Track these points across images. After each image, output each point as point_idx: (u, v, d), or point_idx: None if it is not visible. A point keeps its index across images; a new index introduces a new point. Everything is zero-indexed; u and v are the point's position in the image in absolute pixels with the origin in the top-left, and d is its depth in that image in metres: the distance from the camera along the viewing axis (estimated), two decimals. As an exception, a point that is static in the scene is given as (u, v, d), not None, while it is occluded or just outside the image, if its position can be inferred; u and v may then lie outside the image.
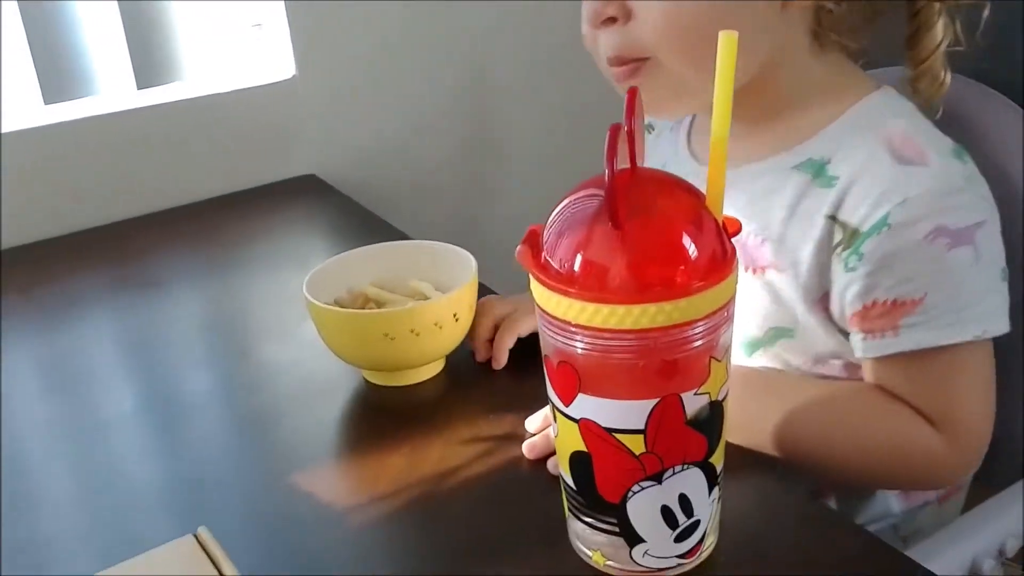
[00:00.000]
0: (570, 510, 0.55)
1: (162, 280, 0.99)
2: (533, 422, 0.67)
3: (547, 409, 0.66)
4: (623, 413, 0.49)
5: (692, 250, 0.49)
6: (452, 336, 0.72)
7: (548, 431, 0.65)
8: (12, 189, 1.08)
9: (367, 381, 0.75)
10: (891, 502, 0.76)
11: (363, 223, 1.08)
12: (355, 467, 0.66)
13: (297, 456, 0.68)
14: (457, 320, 0.72)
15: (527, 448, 0.64)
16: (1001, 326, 0.65)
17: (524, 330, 0.75)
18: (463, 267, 0.75)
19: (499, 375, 0.76)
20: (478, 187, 1.39)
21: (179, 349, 0.86)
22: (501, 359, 0.75)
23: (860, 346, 0.67)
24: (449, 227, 1.18)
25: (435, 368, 0.75)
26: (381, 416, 0.71)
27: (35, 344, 0.87)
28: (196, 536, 0.51)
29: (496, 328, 0.76)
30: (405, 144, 1.31)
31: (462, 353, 0.76)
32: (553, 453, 0.63)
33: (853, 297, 0.66)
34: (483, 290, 0.78)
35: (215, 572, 0.48)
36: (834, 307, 0.68)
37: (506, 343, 0.75)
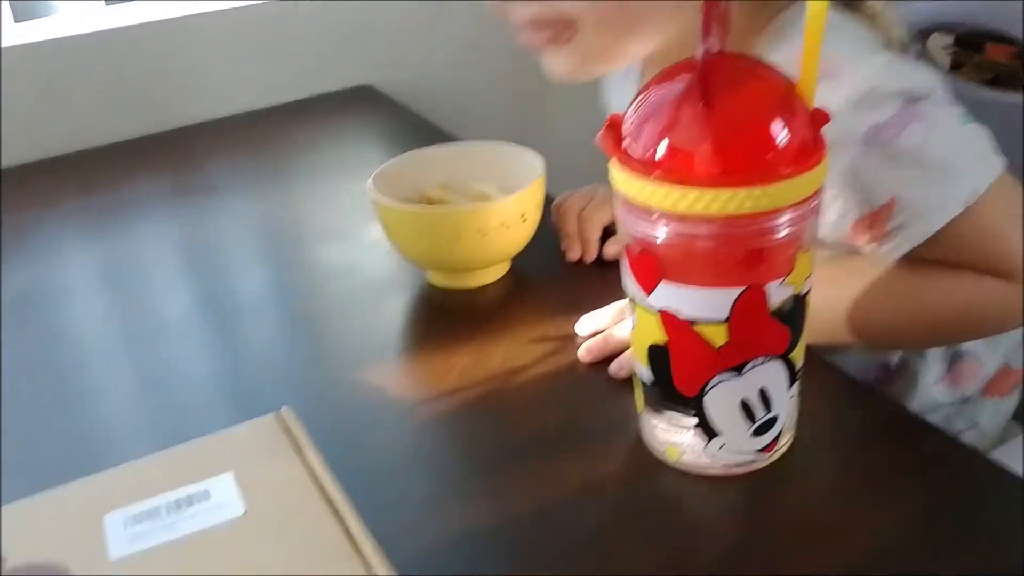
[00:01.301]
0: (645, 405, 0.54)
1: (220, 186, 0.99)
2: (583, 326, 0.66)
3: (600, 312, 0.66)
4: (705, 303, 0.48)
5: (782, 136, 0.47)
6: (519, 237, 0.71)
7: (606, 334, 0.64)
8: (76, 94, 1.08)
9: (431, 284, 0.74)
10: (935, 392, 0.75)
11: (421, 133, 1.07)
12: (422, 364, 0.65)
13: (363, 353, 0.67)
14: (524, 220, 0.70)
15: (583, 351, 0.64)
16: (991, 168, 0.60)
17: (604, 220, 0.74)
18: (529, 168, 0.73)
19: (561, 279, 0.75)
20: (532, 103, 1.36)
21: (239, 252, 0.86)
22: (592, 251, 0.74)
23: (876, 254, 0.64)
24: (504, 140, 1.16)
25: (499, 271, 0.74)
26: (445, 317, 0.71)
27: (96, 246, 0.88)
28: (278, 416, 0.50)
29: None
30: (462, 57, 1.29)
31: (526, 256, 0.75)
32: (610, 356, 0.62)
33: (835, 223, 0.63)
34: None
35: (295, 452, 0.48)
36: (825, 235, 0.65)
37: (594, 235, 0.74)
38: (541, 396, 0.61)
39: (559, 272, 0.76)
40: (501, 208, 0.69)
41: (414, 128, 1.10)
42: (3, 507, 0.45)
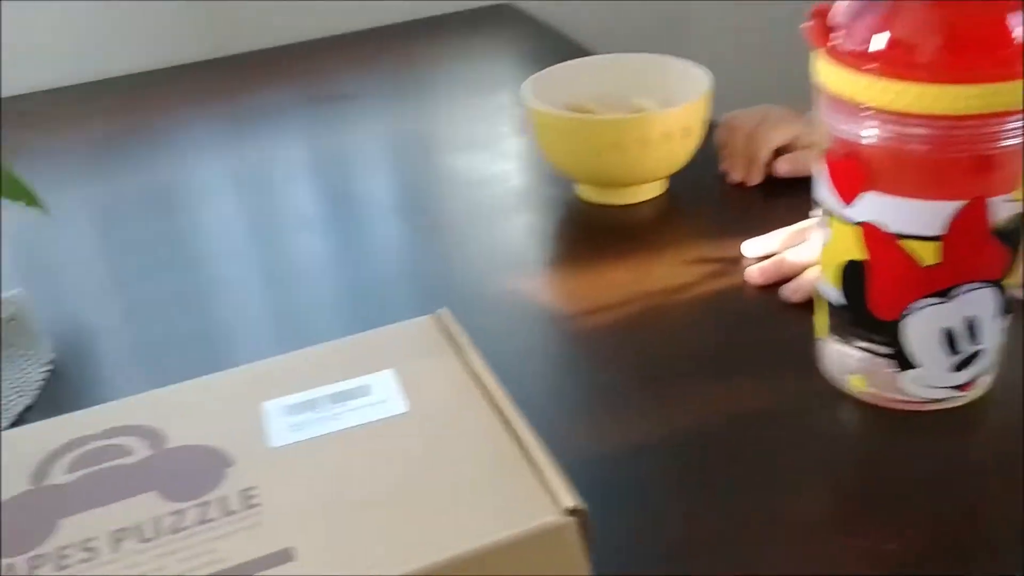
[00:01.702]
0: (830, 330, 0.49)
1: (355, 95, 0.97)
2: (752, 248, 0.62)
3: (771, 234, 0.61)
4: (917, 215, 0.43)
5: (1018, 31, 0.41)
6: (681, 152, 0.67)
7: (779, 257, 0.59)
8: (217, 3, 1.07)
9: (580, 199, 0.71)
10: None
11: (562, 51, 1.02)
12: (574, 277, 0.62)
13: (511, 262, 0.64)
14: (688, 135, 0.66)
15: (757, 272, 0.59)
16: None
17: (776, 141, 0.69)
18: (693, 83, 0.69)
19: (721, 202, 0.70)
20: (676, 21, 1.30)
21: (376, 159, 0.84)
22: (756, 174, 0.70)
23: None
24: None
25: (655, 189, 0.70)
26: (597, 233, 0.67)
27: (237, 151, 0.87)
28: (436, 317, 0.48)
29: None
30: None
31: (683, 176, 0.70)
32: (781, 281, 0.58)
33: None
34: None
35: (455, 353, 0.45)
36: None
37: (761, 156, 0.69)
38: (706, 317, 0.57)
39: (718, 194, 0.71)
40: (667, 118, 0.64)
41: (554, 47, 1.06)
42: (162, 389, 0.44)
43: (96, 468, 0.38)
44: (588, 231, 0.68)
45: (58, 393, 0.55)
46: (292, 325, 0.60)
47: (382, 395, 0.42)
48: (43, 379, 0.55)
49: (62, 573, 0.33)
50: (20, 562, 0.34)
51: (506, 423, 0.40)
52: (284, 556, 0.33)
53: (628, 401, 0.51)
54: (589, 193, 0.70)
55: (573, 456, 0.46)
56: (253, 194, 0.78)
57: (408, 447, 0.39)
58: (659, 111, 0.65)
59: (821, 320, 0.50)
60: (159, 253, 0.69)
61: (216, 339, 0.59)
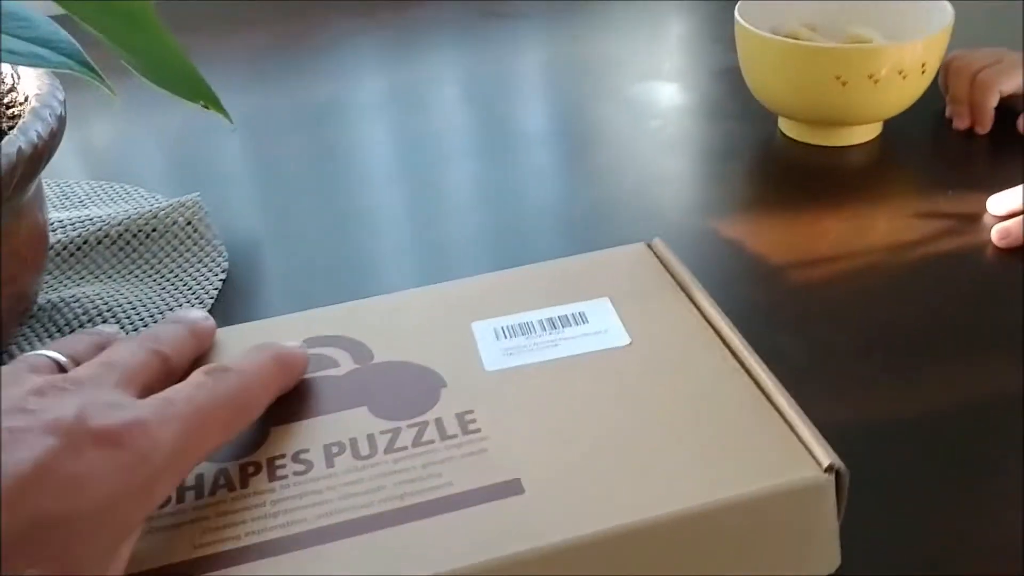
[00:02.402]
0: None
1: (528, 14, 0.91)
2: (999, 203, 0.55)
3: (1019, 189, 0.54)
4: None
5: None
6: (911, 91, 0.60)
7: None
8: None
9: (784, 135, 0.64)
10: None
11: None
12: (784, 224, 0.56)
13: (707, 201, 0.59)
14: (924, 72, 0.59)
15: (998, 234, 0.52)
16: None
17: (1008, 87, 0.61)
18: (928, 14, 0.61)
19: (944, 150, 0.63)
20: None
21: (551, 85, 0.78)
22: (985, 121, 0.62)
23: None
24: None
25: (870, 131, 0.63)
26: (804, 176, 0.61)
27: (398, 66, 0.83)
28: (650, 245, 0.43)
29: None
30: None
31: (900, 120, 0.63)
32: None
33: None
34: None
35: (674, 285, 0.41)
36: None
37: (990, 102, 0.62)
38: (943, 280, 0.50)
39: (942, 142, 0.64)
40: (902, 52, 0.57)
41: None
42: (363, 301, 0.41)
43: (303, 378, 0.36)
44: (793, 173, 0.61)
45: (232, 303, 0.53)
46: (455, 252, 0.56)
47: (600, 324, 0.38)
48: (219, 287, 0.53)
49: (279, 484, 0.31)
50: (232, 468, 0.32)
51: (744, 366, 0.36)
52: (515, 487, 0.31)
53: (857, 369, 0.45)
54: (794, 131, 0.64)
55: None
56: (415, 113, 0.74)
57: (636, 384, 0.35)
58: (891, 43, 0.58)
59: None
60: (316, 170, 0.66)
61: (378, 261, 0.56)
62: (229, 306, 0.52)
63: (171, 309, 0.51)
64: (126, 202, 0.62)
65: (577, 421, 0.33)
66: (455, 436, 0.33)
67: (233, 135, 0.71)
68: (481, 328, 0.38)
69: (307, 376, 0.36)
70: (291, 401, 0.35)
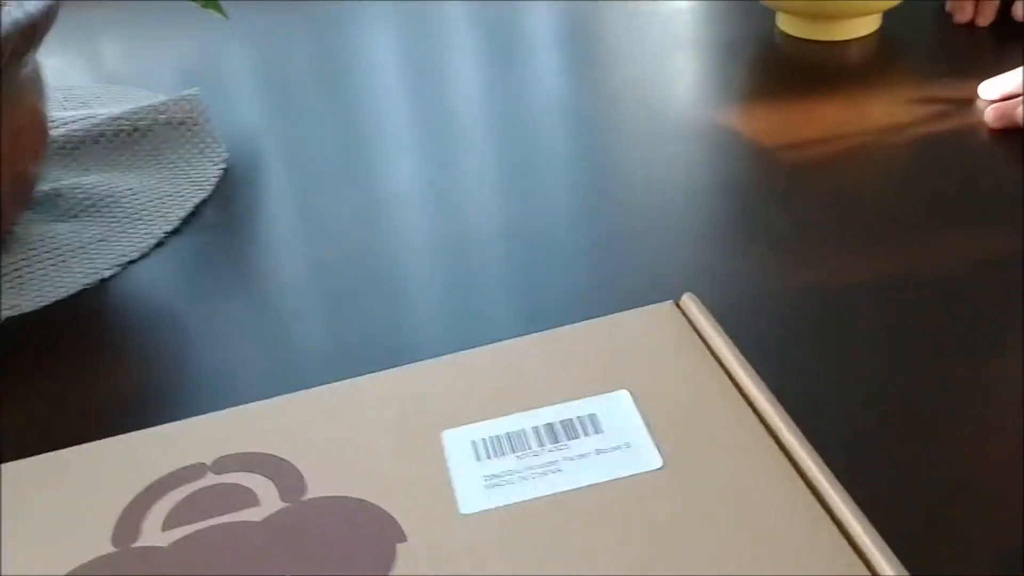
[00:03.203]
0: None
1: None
2: (990, 89, 0.55)
3: (1012, 74, 0.54)
4: None
5: None
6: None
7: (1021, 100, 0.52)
8: None
9: (784, 32, 0.64)
10: None
11: None
12: (779, 112, 0.56)
13: (707, 94, 0.59)
14: (920, -41, 0.58)
15: (994, 113, 0.52)
16: None
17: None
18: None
19: (944, 43, 0.63)
20: None
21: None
22: (987, 12, 0.62)
23: None
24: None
25: (868, 25, 0.63)
26: (802, 69, 0.61)
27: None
28: (678, 305, 0.33)
29: None
30: None
31: (897, 14, 0.63)
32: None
33: None
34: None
35: (711, 364, 0.30)
36: None
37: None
38: (932, 158, 0.51)
39: (941, 35, 0.63)
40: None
41: None
42: (296, 395, 0.31)
43: (205, 525, 0.26)
44: (791, 67, 0.61)
45: (231, 190, 0.53)
46: (459, 150, 0.57)
47: (619, 434, 0.28)
48: (218, 176, 0.54)
49: None
50: None
51: (800, 474, 0.26)
52: None
53: (842, 239, 0.45)
54: (793, 27, 0.64)
55: (778, 288, 0.43)
56: (419, 22, 0.74)
57: (676, 535, 0.25)
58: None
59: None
60: (319, 73, 0.67)
61: (378, 170, 0.57)
62: (228, 193, 0.53)
63: (171, 195, 0.52)
64: (128, 102, 0.62)
65: None
66: None
67: (234, 40, 0.71)
68: (455, 440, 0.28)
69: (212, 522, 0.26)
70: (185, 559, 0.25)
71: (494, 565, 0.24)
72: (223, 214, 0.51)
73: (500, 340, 0.33)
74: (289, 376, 0.40)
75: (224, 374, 0.40)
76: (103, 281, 0.47)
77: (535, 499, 0.26)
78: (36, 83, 0.47)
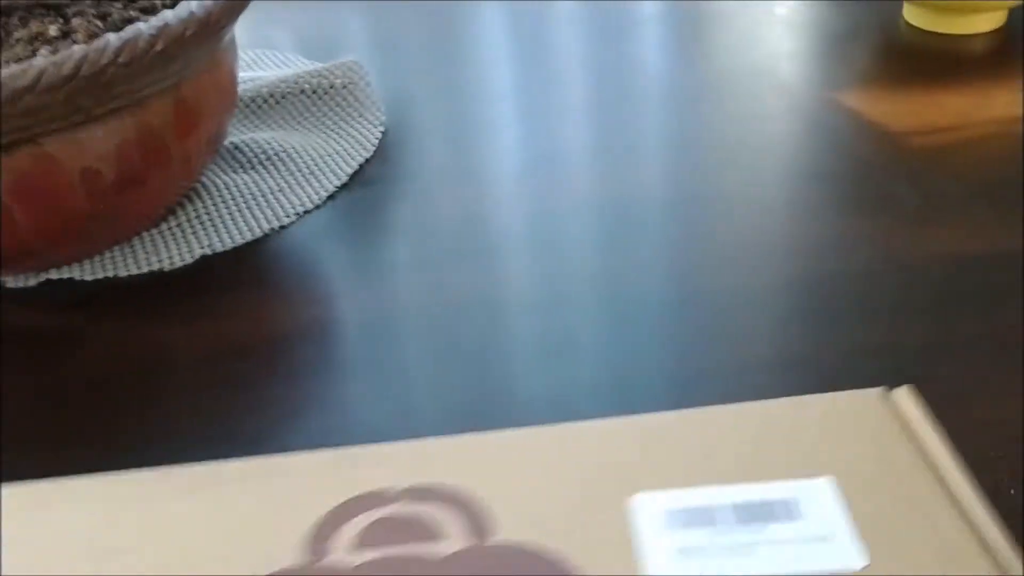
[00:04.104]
0: None
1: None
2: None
3: None
4: None
5: None
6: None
7: None
8: None
9: (908, 23, 0.67)
10: None
11: None
12: (903, 99, 0.59)
13: (835, 78, 0.62)
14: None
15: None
16: None
17: None
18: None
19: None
20: None
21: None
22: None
23: None
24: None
25: (993, 21, 0.65)
26: (926, 59, 0.63)
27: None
28: (887, 395, 0.31)
29: None
30: None
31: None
32: None
33: None
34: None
35: (923, 467, 0.28)
36: None
37: None
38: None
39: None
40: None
41: None
42: (485, 435, 0.30)
43: (392, 552, 0.26)
44: (915, 56, 0.64)
45: (391, 150, 0.58)
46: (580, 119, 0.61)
47: (820, 524, 0.26)
48: (379, 136, 0.59)
49: None
50: None
51: None
52: None
53: (968, 213, 0.48)
54: (919, 18, 0.66)
55: (905, 257, 0.46)
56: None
57: None
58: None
59: None
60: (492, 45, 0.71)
61: (526, 132, 0.61)
62: (389, 155, 0.58)
63: (338, 153, 0.57)
64: (288, 67, 0.68)
65: None
66: None
67: (359, 13, 0.76)
68: (646, 505, 0.27)
69: (395, 550, 0.26)
70: None
71: None
72: (385, 171, 0.56)
73: (652, 296, 0.37)
74: (443, 313, 0.44)
75: (386, 313, 0.45)
76: (282, 228, 0.52)
77: None
78: (232, 46, 0.52)
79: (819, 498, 0.26)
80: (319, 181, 0.55)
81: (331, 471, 0.29)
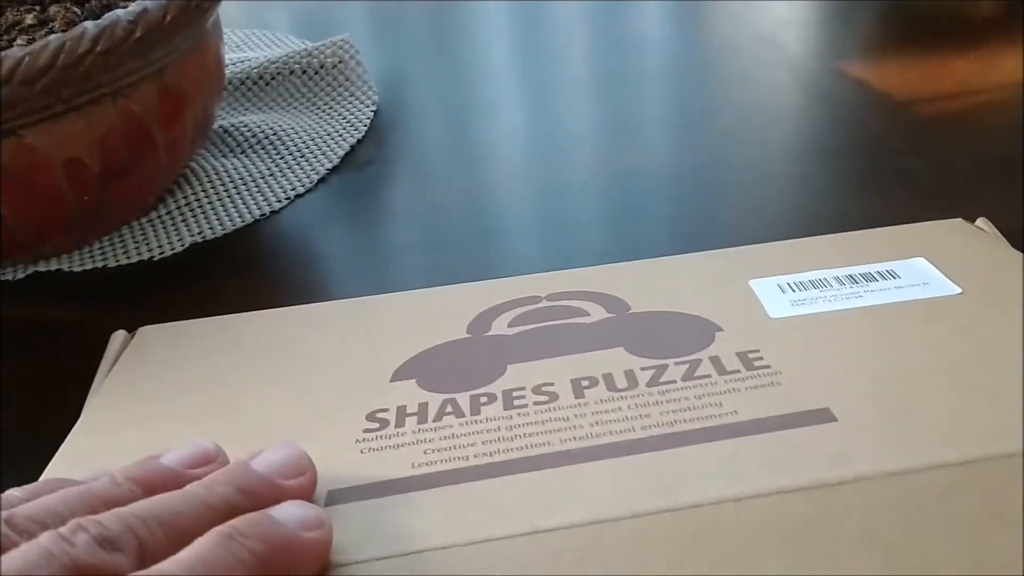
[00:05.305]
0: None
1: None
2: None
3: None
4: None
5: None
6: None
7: None
8: None
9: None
10: None
11: None
12: (909, 65, 0.58)
13: (841, 47, 0.61)
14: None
15: None
16: None
17: None
18: None
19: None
20: None
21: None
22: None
23: None
24: None
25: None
26: (934, 25, 0.62)
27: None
28: (968, 223, 0.37)
29: None
30: None
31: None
32: None
33: None
34: None
35: (999, 246, 0.35)
36: None
37: None
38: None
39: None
40: None
41: None
42: (614, 265, 0.36)
43: (544, 324, 0.32)
44: (920, 22, 0.63)
45: (382, 132, 0.57)
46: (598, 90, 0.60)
47: (917, 279, 0.32)
48: (370, 117, 0.58)
49: (516, 412, 0.28)
50: (461, 398, 0.29)
51: None
52: (824, 415, 0.26)
53: (979, 184, 0.47)
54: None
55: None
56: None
57: (969, 327, 0.29)
58: None
59: None
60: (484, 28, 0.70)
61: (518, 109, 0.60)
62: (381, 135, 0.57)
63: (329, 135, 0.56)
64: (278, 47, 0.67)
65: (896, 362, 0.28)
66: (737, 371, 0.28)
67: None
68: (762, 285, 0.33)
69: (550, 323, 0.32)
70: (532, 343, 0.31)
71: (801, 343, 0.29)
72: (378, 152, 0.55)
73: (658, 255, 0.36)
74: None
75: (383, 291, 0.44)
76: (274, 213, 0.51)
77: (837, 311, 0.31)
78: (217, 28, 0.51)
79: (914, 268, 0.33)
80: (310, 164, 0.54)
81: (481, 290, 0.35)
